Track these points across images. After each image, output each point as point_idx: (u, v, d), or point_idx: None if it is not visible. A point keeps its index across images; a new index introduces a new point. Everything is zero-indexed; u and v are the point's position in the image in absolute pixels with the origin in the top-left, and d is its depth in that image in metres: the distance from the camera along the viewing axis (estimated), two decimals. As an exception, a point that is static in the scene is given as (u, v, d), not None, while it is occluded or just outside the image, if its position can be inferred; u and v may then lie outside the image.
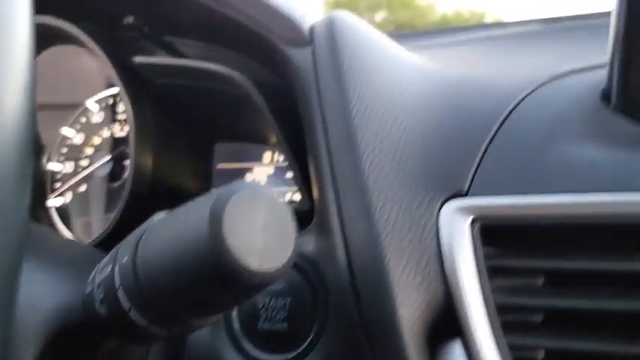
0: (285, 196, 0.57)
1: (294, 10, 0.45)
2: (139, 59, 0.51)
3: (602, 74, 0.41)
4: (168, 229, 0.29)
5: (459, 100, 0.41)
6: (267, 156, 0.60)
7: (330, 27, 0.43)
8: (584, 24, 0.65)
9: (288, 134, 0.47)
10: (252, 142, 0.60)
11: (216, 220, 0.26)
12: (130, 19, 0.53)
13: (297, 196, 0.55)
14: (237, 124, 0.58)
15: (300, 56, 0.42)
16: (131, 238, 0.31)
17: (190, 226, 0.27)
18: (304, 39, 0.42)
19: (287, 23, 0.43)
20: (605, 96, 0.40)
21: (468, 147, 0.37)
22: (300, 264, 0.38)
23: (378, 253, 0.33)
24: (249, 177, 0.60)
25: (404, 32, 0.85)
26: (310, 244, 0.39)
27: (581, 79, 0.42)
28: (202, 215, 0.26)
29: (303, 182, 0.47)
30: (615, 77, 0.39)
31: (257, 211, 0.27)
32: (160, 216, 0.31)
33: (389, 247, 0.34)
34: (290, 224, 0.28)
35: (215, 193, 0.27)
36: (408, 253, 0.34)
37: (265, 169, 0.60)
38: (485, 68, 0.51)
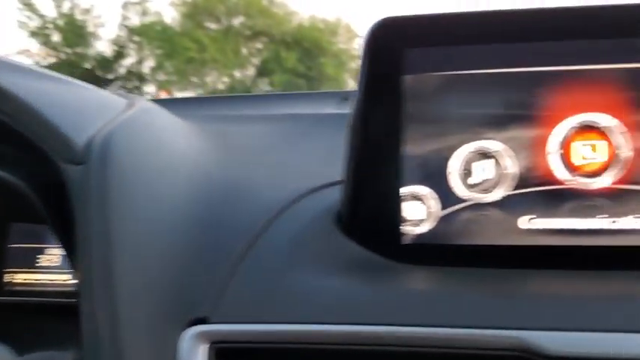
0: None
1: (75, 124, 0.47)
2: None
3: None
4: None
5: (219, 214, 0.46)
6: (61, 237, 0.61)
7: (106, 146, 0.46)
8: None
9: (65, 233, 0.49)
10: (46, 224, 0.61)
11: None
12: None
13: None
14: (29, 208, 0.59)
15: (73, 173, 0.44)
16: None
17: None
18: (78, 157, 0.45)
19: (63, 140, 0.45)
20: (340, 218, 0.47)
21: (215, 272, 0.42)
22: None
23: None
24: (43, 258, 0.62)
25: (199, 97, 0.90)
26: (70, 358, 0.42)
27: (329, 196, 0.49)
28: None
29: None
30: (344, 200, 0.46)
31: None
32: None
33: None
34: None
35: None
36: None
37: (59, 250, 0.62)
38: (260, 166, 0.57)
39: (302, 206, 0.48)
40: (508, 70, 0.43)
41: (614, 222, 0.41)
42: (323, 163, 0.56)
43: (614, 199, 0.41)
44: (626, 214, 0.41)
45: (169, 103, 1.03)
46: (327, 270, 0.42)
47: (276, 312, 0.40)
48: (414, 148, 0.44)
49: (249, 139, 0.67)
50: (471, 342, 0.35)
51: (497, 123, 0.43)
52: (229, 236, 0.45)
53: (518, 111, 0.43)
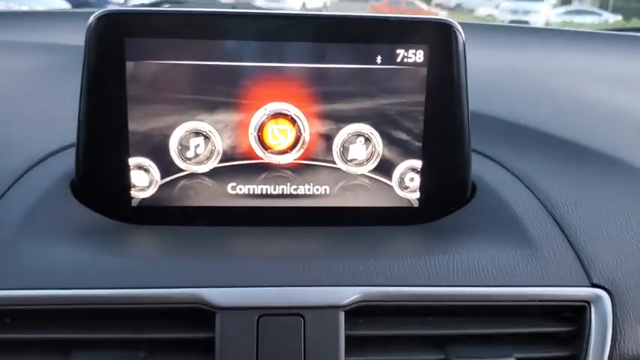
0: None
1: None
2: None
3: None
4: None
5: None
6: None
7: None
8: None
9: None
10: None
11: None
12: None
13: None
14: None
15: None
16: None
17: None
18: None
19: None
20: (74, 184, 0.53)
21: None
22: None
23: None
24: None
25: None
26: None
27: (68, 160, 0.53)
28: None
29: None
30: (77, 169, 0.52)
31: None
32: None
33: None
34: None
35: None
36: None
37: None
38: (13, 118, 0.60)
39: (39, 172, 0.54)
40: (214, 63, 0.50)
41: (295, 189, 0.53)
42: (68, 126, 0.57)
43: (295, 172, 0.52)
44: (303, 183, 0.53)
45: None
46: (59, 236, 0.49)
47: (4, 279, 0.44)
48: (139, 125, 0.51)
49: (15, 74, 0.69)
50: (163, 299, 0.45)
51: (207, 107, 0.51)
52: None
53: (224, 98, 0.51)
